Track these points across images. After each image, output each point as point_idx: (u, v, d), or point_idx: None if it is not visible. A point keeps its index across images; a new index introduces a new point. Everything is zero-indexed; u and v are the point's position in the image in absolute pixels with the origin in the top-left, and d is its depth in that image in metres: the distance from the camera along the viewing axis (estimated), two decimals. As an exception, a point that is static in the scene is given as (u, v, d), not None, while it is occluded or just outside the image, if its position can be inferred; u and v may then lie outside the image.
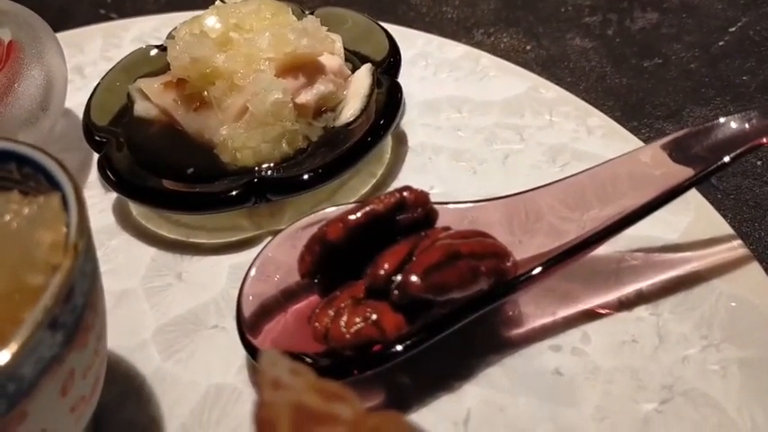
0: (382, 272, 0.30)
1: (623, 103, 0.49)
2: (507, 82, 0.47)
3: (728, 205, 0.41)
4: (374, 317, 0.29)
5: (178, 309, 0.36)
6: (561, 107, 0.45)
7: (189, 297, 0.37)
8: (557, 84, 0.47)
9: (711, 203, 0.38)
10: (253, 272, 0.34)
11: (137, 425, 0.32)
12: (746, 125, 0.33)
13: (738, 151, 0.33)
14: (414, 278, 0.29)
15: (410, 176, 0.42)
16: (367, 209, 0.32)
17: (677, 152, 0.34)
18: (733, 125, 0.34)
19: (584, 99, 0.46)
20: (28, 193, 0.27)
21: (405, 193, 0.33)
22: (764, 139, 0.33)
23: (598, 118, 0.44)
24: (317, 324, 0.31)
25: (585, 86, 0.51)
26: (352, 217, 0.32)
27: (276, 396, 0.19)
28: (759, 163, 0.44)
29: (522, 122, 0.44)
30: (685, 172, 0.33)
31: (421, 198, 0.33)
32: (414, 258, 0.30)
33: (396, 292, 0.29)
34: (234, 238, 0.40)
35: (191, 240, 0.40)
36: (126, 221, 0.41)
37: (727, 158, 0.33)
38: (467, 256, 0.30)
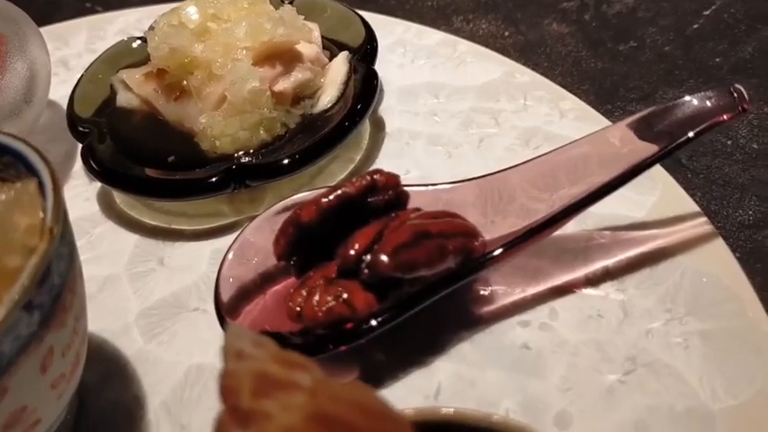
0: (353, 252, 0.31)
1: (598, 86, 0.50)
2: (484, 67, 0.48)
3: (698, 184, 0.42)
4: (345, 295, 0.30)
5: (160, 293, 0.37)
6: (535, 91, 0.46)
7: (171, 281, 0.38)
8: (533, 69, 0.48)
9: (681, 182, 0.39)
10: (230, 255, 0.35)
11: (120, 403, 0.33)
12: (708, 103, 0.34)
13: (700, 128, 0.34)
14: (383, 257, 0.30)
15: (387, 161, 0.43)
16: (339, 192, 0.33)
17: (643, 130, 0.35)
18: (695, 103, 0.34)
19: (559, 83, 0.47)
20: (7, 180, 0.28)
21: (376, 176, 0.34)
22: (725, 116, 0.34)
23: (571, 101, 0.45)
24: (291, 304, 0.32)
25: (561, 71, 0.51)
26: (325, 200, 0.33)
27: (239, 366, 0.20)
28: (729, 142, 0.45)
29: (498, 107, 0.45)
30: (650, 148, 0.34)
31: (392, 180, 0.34)
32: (383, 238, 0.31)
33: (366, 270, 0.30)
34: (215, 224, 0.41)
35: (172, 227, 0.41)
36: (110, 209, 0.42)
37: (690, 134, 0.34)
38: (435, 236, 0.31)
